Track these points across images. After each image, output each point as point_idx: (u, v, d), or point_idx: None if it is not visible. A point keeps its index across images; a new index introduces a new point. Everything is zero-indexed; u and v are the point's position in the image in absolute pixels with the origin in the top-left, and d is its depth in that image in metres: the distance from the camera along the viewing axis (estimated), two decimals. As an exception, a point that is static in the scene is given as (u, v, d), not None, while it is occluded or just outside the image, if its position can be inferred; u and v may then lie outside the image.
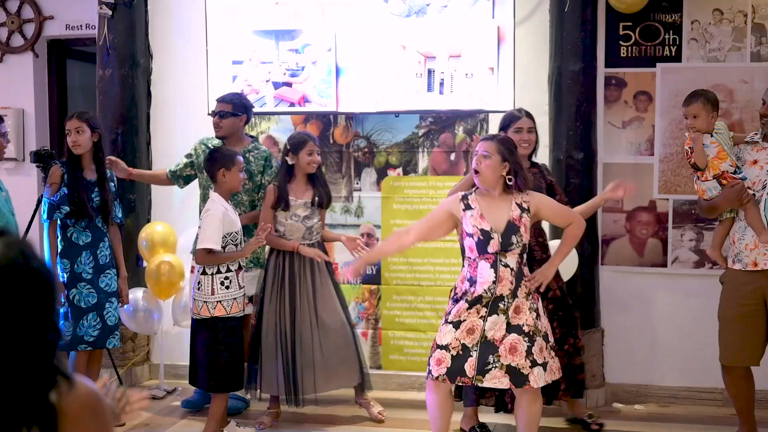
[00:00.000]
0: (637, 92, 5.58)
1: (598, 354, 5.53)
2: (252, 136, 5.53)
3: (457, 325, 4.15)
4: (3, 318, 1.72)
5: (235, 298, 4.78)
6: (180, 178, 5.53)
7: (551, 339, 4.26)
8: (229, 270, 4.78)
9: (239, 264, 4.84)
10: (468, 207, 4.23)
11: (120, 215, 5.17)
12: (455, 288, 4.28)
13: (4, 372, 1.71)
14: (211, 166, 4.84)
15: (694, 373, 5.52)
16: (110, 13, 5.74)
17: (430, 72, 5.58)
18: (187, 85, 6.05)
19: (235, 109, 5.30)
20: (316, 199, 5.17)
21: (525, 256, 4.22)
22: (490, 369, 4.09)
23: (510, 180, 4.20)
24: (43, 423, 1.73)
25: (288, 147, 5.18)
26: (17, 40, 6.79)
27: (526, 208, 4.22)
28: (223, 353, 4.79)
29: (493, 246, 4.14)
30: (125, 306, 5.31)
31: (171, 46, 6.13)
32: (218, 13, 5.80)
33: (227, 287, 4.75)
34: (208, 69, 5.82)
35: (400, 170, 5.85)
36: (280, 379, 5.08)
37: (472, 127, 5.77)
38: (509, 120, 4.93)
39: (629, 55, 5.57)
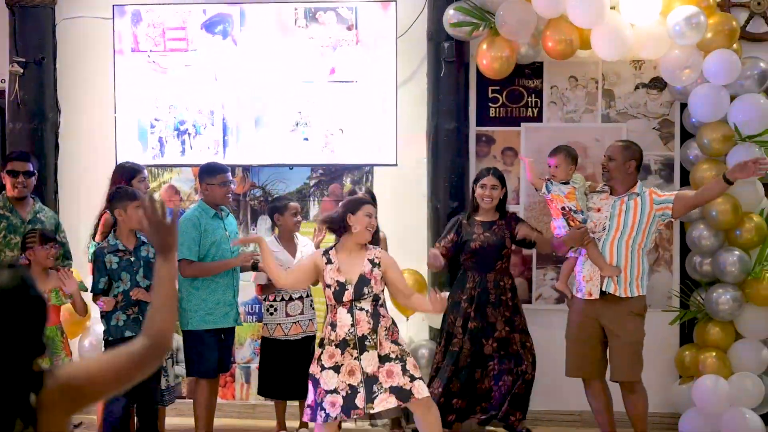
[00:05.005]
0: (504, 148, 6.30)
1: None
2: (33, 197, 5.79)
3: (336, 369, 4.73)
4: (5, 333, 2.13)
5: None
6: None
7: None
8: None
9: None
10: (329, 261, 4.87)
11: None
12: (323, 333, 4.88)
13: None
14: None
15: (556, 398, 6.13)
16: (21, 71, 6.09)
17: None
18: (94, 137, 6.43)
19: (35, 168, 5.66)
20: None
21: (380, 300, 4.86)
22: (377, 395, 4.67)
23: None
24: (25, 416, 2.13)
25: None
26: (-76, 93, 7.04)
27: (378, 263, 4.86)
28: None
29: (347, 296, 4.79)
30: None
31: (78, 100, 6.47)
32: (125, 78, 6.22)
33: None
34: (116, 124, 6.23)
35: (293, 217, 6.36)
36: None
37: (358, 178, 6.37)
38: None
39: (497, 115, 6.29)
